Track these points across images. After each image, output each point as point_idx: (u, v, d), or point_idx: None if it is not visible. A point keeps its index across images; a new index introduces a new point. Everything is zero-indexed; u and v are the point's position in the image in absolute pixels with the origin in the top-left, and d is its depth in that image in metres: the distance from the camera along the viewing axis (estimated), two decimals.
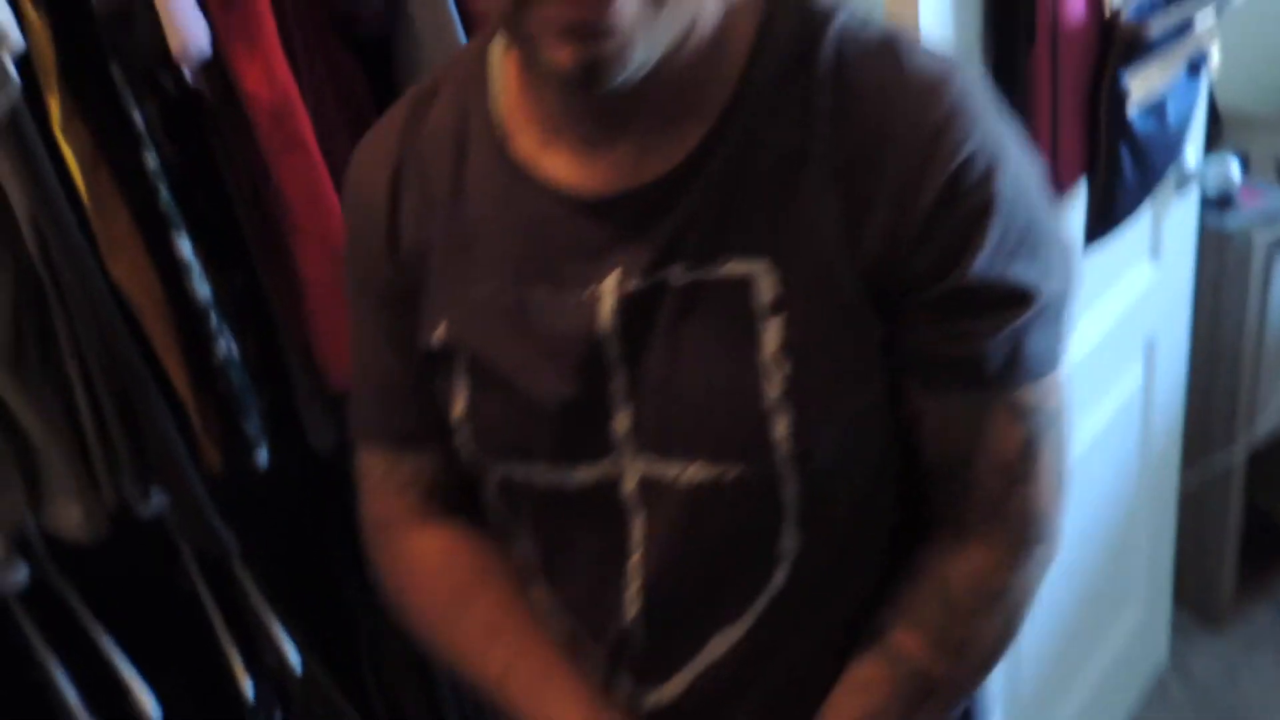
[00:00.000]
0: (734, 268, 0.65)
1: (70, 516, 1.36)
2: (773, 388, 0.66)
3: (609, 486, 0.73)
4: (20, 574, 1.34)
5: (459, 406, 0.75)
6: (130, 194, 1.24)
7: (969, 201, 0.64)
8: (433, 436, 0.82)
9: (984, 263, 0.65)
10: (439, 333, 0.74)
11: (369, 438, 0.88)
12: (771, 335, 0.65)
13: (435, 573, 0.86)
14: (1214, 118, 1.95)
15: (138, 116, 1.20)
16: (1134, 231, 1.65)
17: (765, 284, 0.65)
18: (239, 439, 1.30)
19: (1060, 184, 1.44)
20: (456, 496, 0.86)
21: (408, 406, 0.82)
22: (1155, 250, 1.82)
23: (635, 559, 0.75)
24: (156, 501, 1.37)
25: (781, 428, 0.66)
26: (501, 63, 0.72)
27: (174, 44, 1.12)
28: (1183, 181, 1.78)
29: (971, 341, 0.68)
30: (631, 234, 0.67)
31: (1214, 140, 1.99)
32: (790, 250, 0.65)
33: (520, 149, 0.70)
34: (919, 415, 0.74)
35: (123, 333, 1.26)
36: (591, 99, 0.65)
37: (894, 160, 0.63)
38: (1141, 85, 1.41)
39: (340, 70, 1.26)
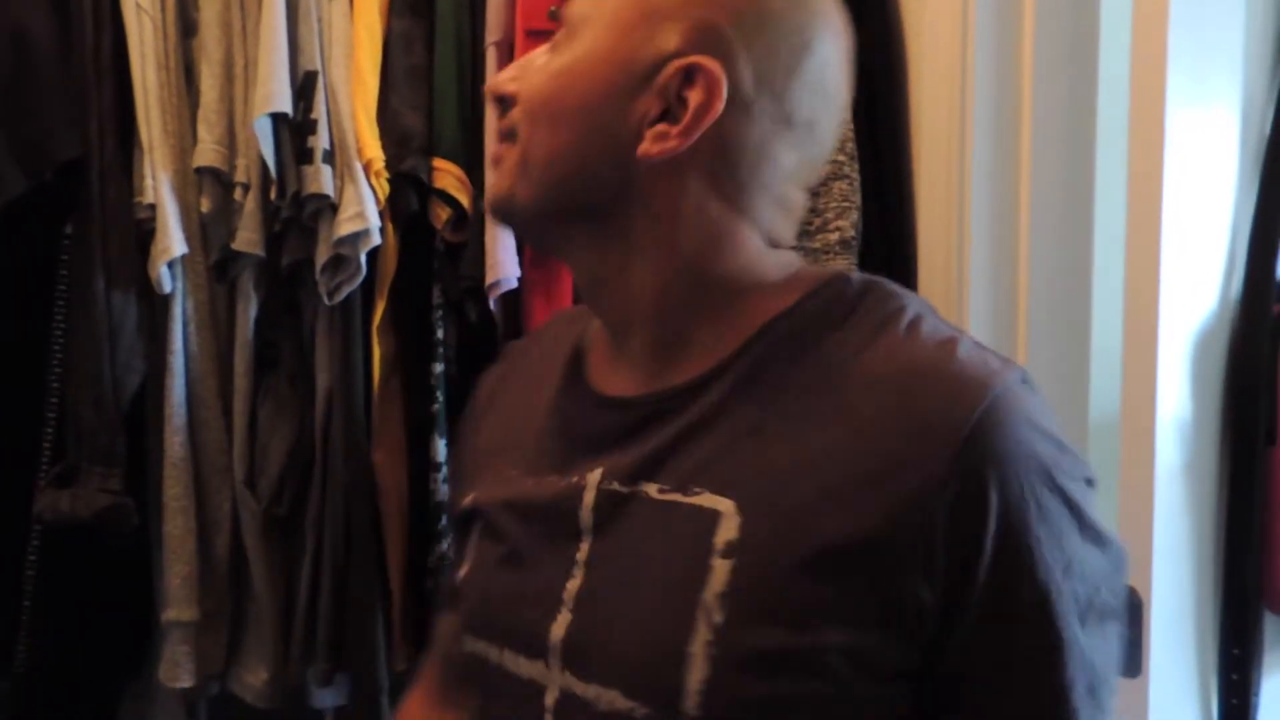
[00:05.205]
0: (706, 499, 0.65)
1: (256, 680, 1.44)
2: (701, 632, 0.62)
3: (537, 693, 0.68)
4: None
5: (464, 570, 0.76)
6: (410, 397, 1.42)
7: (985, 512, 0.59)
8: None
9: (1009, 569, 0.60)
10: (467, 500, 0.77)
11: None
12: (718, 577, 0.62)
13: None
14: None
15: (440, 333, 1.40)
16: None
17: (728, 524, 0.63)
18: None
19: None
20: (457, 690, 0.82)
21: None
22: None
23: None
24: (335, 691, 1.43)
25: (695, 678, 0.61)
26: None
27: (490, 276, 1.34)
28: None
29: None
30: (626, 437, 0.69)
31: None
32: (760, 501, 0.63)
33: (590, 366, 0.75)
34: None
35: (364, 513, 1.39)
36: (599, 315, 0.73)
37: (919, 454, 0.60)
38: None
39: None
